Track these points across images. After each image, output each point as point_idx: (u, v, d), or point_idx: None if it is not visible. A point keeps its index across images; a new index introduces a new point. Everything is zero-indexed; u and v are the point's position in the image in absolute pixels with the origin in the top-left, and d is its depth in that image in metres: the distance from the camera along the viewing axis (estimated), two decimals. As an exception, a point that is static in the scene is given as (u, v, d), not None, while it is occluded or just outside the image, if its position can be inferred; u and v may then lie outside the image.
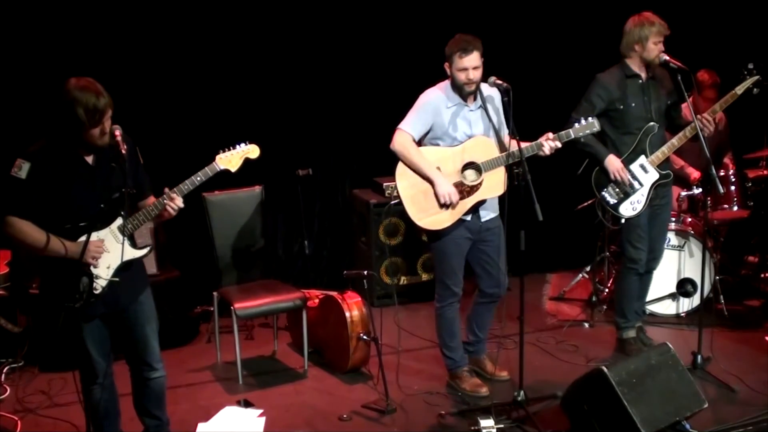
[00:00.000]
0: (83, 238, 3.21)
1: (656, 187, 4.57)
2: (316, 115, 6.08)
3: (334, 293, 4.74)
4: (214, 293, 4.82)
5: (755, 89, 4.48)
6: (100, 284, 3.31)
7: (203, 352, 5.12)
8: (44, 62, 5.18)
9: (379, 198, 5.82)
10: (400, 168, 4.10)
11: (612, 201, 4.58)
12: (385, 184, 5.79)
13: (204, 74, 5.68)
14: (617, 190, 4.56)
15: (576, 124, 4.13)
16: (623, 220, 4.62)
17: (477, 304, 4.42)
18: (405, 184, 4.09)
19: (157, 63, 5.51)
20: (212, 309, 4.98)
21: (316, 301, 4.92)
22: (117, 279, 3.34)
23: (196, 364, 4.91)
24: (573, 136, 4.11)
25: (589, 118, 4.15)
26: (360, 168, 6.26)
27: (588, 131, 4.13)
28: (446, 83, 4.15)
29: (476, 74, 4.01)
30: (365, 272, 4.91)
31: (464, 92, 4.07)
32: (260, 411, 4.11)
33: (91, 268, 3.29)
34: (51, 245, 3.19)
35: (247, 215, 4.98)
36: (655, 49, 4.41)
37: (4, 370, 4.70)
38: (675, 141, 4.56)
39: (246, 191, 4.99)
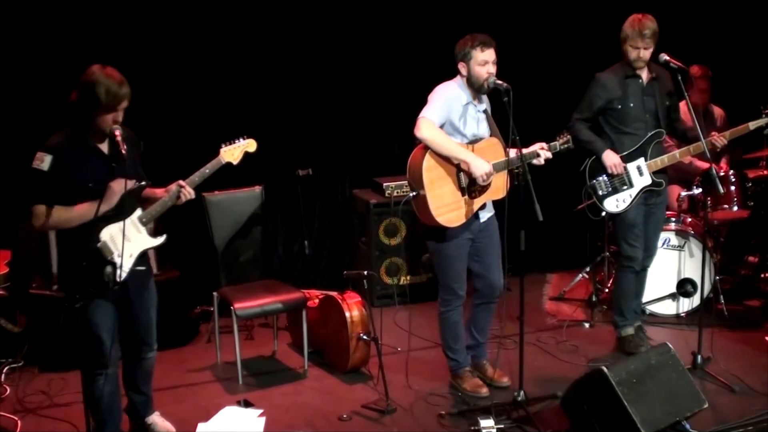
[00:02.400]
0: (109, 227, 3.42)
1: (646, 191, 4.59)
2: (316, 115, 6.08)
3: (334, 293, 4.74)
4: (214, 293, 4.82)
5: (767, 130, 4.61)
6: (124, 272, 3.48)
7: (203, 352, 5.12)
8: (52, 58, 5.22)
9: (379, 198, 5.81)
10: (428, 161, 3.98)
11: (600, 192, 4.60)
12: (385, 184, 5.78)
13: (204, 74, 5.68)
14: (608, 183, 4.58)
15: (559, 139, 4.25)
16: (603, 213, 4.65)
17: (474, 306, 4.38)
18: (430, 177, 4.00)
19: (158, 63, 5.50)
20: (212, 309, 4.97)
21: (316, 301, 4.92)
22: (143, 267, 3.57)
23: (196, 364, 4.91)
24: (558, 149, 4.22)
25: (565, 136, 4.27)
26: (360, 168, 6.26)
27: (565, 147, 4.25)
28: (458, 80, 4.12)
29: (494, 69, 4.01)
30: (365, 272, 4.91)
31: (482, 90, 4.05)
32: (260, 411, 4.11)
33: (115, 256, 3.44)
34: (82, 213, 3.31)
35: (247, 215, 4.97)
36: (633, 51, 4.45)
37: (4, 370, 4.70)
38: (677, 154, 4.61)
39: (246, 191, 4.99)
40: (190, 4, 5.57)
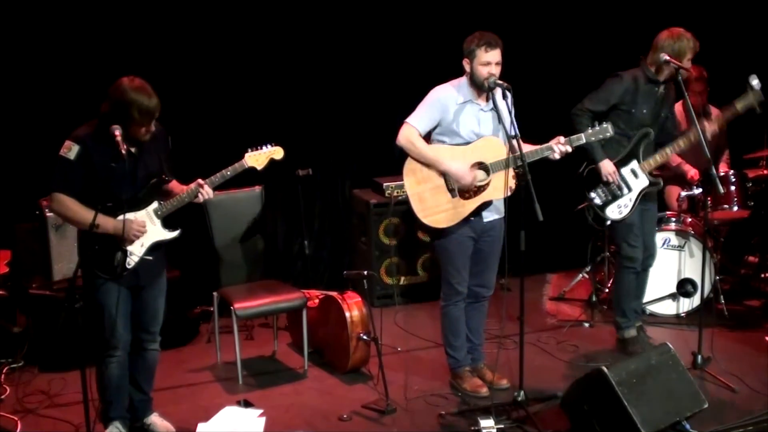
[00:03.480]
0: (126, 216, 3.51)
1: (645, 193, 4.58)
2: (316, 115, 6.07)
3: (334, 293, 4.74)
4: (214, 293, 4.82)
5: (758, 108, 4.47)
6: (133, 260, 3.62)
7: (203, 352, 5.12)
8: (60, 61, 5.26)
9: (379, 198, 5.81)
10: (408, 165, 4.10)
11: (599, 202, 4.60)
12: (385, 184, 5.78)
13: (204, 75, 5.67)
14: (606, 192, 4.58)
15: (589, 129, 4.12)
16: (608, 222, 4.64)
17: (465, 304, 4.36)
18: (412, 181, 4.10)
19: (160, 65, 5.50)
20: (212, 309, 4.97)
21: (316, 301, 4.92)
22: (150, 257, 3.66)
23: (196, 364, 4.91)
24: (584, 141, 4.10)
25: (603, 123, 4.11)
26: (360, 168, 6.25)
27: (600, 136, 4.12)
28: (460, 80, 4.12)
29: (498, 70, 4.00)
30: (365, 272, 4.91)
31: (483, 88, 4.04)
32: (260, 411, 4.11)
33: (126, 244, 3.57)
34: (98, 221, 3.40)
35: (247, 215, 4.98)
36: (687, 65, 4.40)
37: (4, 370, 4.70)
38: (668, 150, 4.57)
39: (246, 191, 4.99)
40: (190, 5, 5.58)
